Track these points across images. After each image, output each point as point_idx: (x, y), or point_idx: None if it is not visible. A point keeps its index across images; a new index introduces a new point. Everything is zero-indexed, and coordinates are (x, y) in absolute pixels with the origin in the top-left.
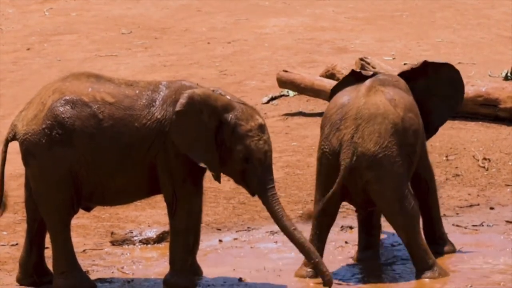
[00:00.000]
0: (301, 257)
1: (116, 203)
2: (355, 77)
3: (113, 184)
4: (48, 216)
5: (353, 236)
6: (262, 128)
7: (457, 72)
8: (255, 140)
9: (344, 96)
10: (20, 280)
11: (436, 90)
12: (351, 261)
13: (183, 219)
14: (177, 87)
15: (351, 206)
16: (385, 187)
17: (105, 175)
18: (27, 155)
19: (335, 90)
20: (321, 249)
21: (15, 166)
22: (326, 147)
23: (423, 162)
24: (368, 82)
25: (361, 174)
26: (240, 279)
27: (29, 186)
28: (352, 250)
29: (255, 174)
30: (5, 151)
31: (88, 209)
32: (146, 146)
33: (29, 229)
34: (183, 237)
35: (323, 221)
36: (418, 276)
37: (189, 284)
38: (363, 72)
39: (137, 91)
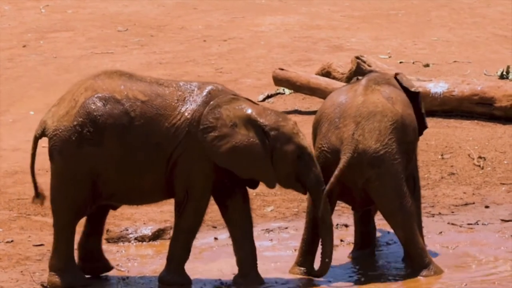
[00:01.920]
0: (295, 255)
1: (138, 203)
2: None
3: (139, 183)
4: (57, 212)
5: (349, 234)
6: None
7: None
8: (301, 136)
9: (341, 95)
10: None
11: None
12: (346, 260)
13: (190, 219)
14: (209, 90)
15: (346, 204)
16: (385, 185)
17: (132, 174)
18: (53, 151)
19: None
20: (314, 248)
21: (9, 163)
22: (324, 145)
23: (414, 159)
24: (364, 81)
25: (362, 171)
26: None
27: None
28: (347, 248)
29: (310, 168)
30: (34, 148)
31: (114, 207)
32: (174, 145)
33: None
34: (185, 236)
35: (317, 220)
36: (414, 274)
37: (184, 282)
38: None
39: (168, 91)
